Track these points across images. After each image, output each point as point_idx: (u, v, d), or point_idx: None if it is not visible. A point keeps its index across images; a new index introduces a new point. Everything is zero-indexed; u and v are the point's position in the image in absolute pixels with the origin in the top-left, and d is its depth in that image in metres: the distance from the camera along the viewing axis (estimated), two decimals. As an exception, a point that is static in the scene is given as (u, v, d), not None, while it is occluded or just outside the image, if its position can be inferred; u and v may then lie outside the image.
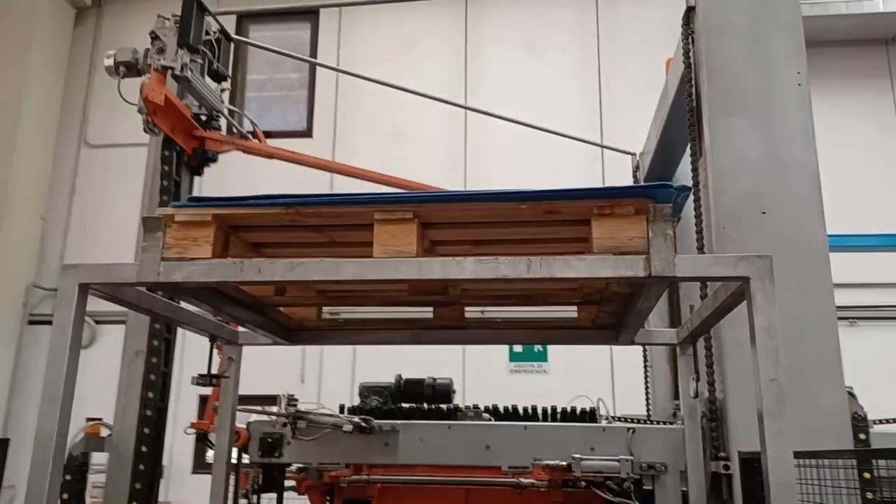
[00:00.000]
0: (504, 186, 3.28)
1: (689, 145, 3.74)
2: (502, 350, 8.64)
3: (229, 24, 10.59)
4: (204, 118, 4.04)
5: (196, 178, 4.48)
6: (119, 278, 2.17)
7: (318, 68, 9.67)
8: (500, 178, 8.73)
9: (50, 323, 8.21)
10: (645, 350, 5.52)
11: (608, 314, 2.82)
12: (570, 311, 3.04)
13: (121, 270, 2.17)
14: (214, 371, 3.37)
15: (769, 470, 1.80)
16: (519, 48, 9.68)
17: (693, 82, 3.74)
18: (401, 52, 9.82)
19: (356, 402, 4.24)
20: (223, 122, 4.34)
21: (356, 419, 3.54)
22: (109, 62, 4.24)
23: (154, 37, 4.19)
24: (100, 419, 4.72)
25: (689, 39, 3.80)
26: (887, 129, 9.03)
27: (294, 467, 3.82)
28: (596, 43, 9.58)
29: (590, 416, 3.70)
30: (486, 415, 3.76)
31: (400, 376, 4.58)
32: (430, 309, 3.03)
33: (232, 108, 4.16)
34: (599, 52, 9.53)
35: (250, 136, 4.41)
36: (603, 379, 8.27)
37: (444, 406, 3.89)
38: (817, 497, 2.47)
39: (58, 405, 2.10)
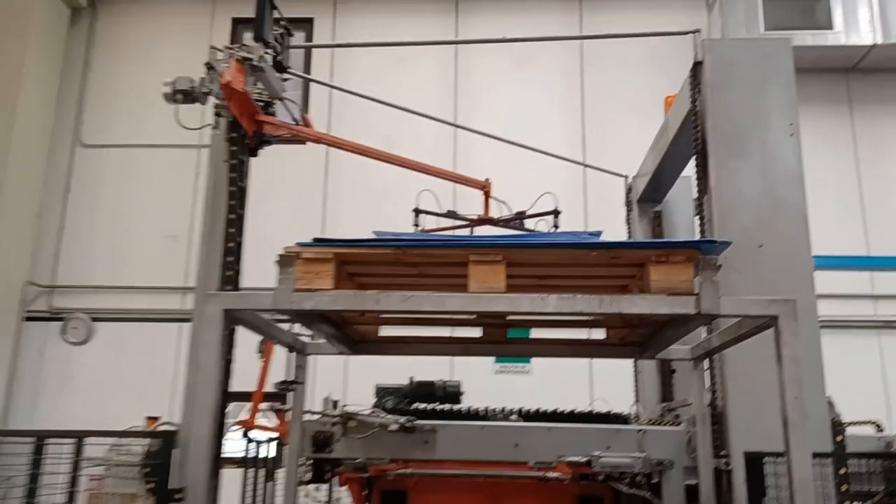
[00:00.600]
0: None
1: (695, 183, 4.29)
2: (489, 352, 9.14)
3: (224, 28, 10.90)
4: (262, 104, 4.38)
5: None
6: (258, 306, 2.59)
7: (312, 75, 9.98)
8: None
9: (45, 319, 8.66)
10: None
11: (638, 335, 3.34)
12: (598, 330, 3.56)
13: (259, 299, 2.59)
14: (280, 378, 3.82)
15: (793, 469, 2.33)
16: (507, 66, 10.17)
17: (700, 128, 4.28)
18: (393, 60, 10.20)
19: (348, 400, 4.64)
20: (277, 110, 4.68)
21: (402, 420, 3.98)
22: (167, 89, 4.60)
23: (209, 66, 4.56)
24: (158, 417, 5.07)
25: (697, 89, 4.34)
26: (843, 153, 9.79)
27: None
28: (580, 64, 10.14)
29: (605, 417, 4.20)
30: (513, 416, 4.24)
31: (412, 378, 5.02)
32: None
33: (286, 97, 4.55)
34: (583, 74, 10.09)
35: (300, 122, 4.82)
36: (581, 381, 8.86)
37: (477, 408, 4.35)
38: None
39: (210, 410, 2.50)
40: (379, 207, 9.46)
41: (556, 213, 6.05)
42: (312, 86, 10.22)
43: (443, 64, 10.27)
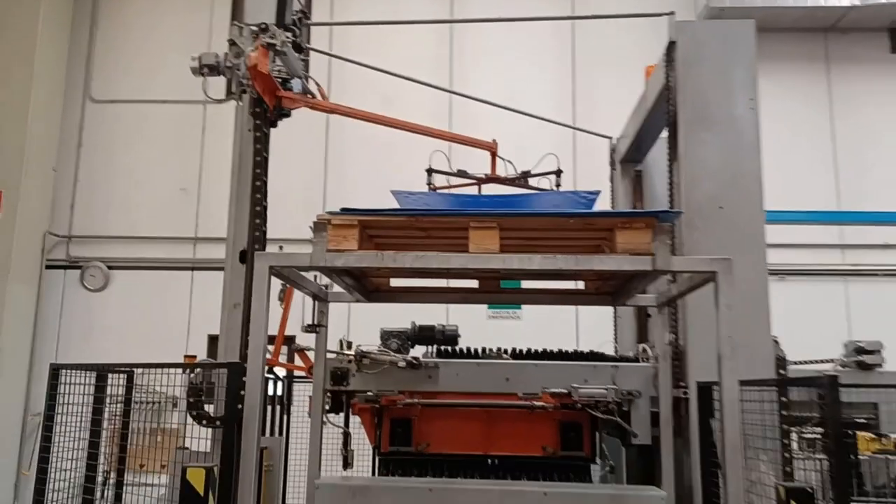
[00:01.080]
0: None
1: (667, 150, 4.85)
2: (483, 298, 9.82)
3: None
4: (280, 81, 4.89)
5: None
6: (298, 263, 3.19)
7: (311, 40, 10.34)
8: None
9: (64, 267, 9.42)
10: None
11: (610, 286, 3.96)
12: (578, 282, 4.18)
13: (299, 258, 3.19)
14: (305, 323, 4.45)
15: (723, 393, 2.97)
16: (500, 28, 10.53)
17: (672, 102, 4.82)
18: (391, 28, 10.56)
19: (355, 343, 5.21)
20: (295, 85, 5.18)
21: (409, 357, 4.61)
22: (194, 63, 5.07)
23: (232, 43, 5.04)
24: (195, 355, 5.68)
25: (671, 66, 4.87)
26: (820, 110, 10.32)
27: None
28: (570, 25, 10.55)
29: (584, 356, 4.83)
30: (505, 355, 4.87)
31: (414, 323, 5.63)
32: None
33: (304, 74, 5.05)
34: (574, 36, 10.51)
35: (317, 95, 5.33)
36: (569, 324, 9.56)
37: (474, 349, 4.97)
38: (756, 414, 3.67)
39: (261, 345, 3.12)
40: (380, 161, 9.99)
41: (558, 172, 6.48)
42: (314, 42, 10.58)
43: (439, 26, 10.65)
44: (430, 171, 6.48)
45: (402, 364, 4.59)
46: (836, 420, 2.80)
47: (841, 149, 10.24)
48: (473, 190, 6.72)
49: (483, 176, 6.51)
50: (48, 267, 10.12)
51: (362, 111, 5.50)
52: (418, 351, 5.33)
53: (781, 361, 4.48)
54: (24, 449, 9.60)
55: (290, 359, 7.40)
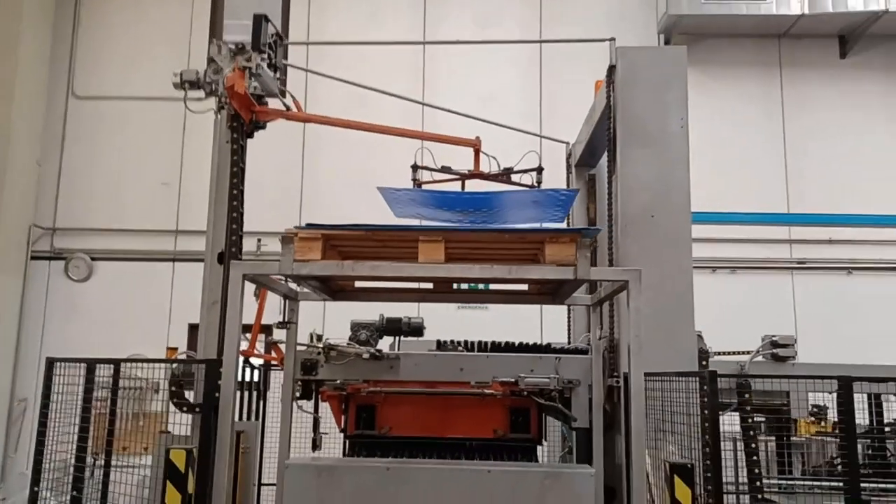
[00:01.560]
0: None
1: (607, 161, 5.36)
2: (452, 289, 10.33)
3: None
4: (256, 97, 5.32)
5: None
6: (269, 271, 3.66)
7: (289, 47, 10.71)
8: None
9: (48, 258, 9.91)
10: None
11: (549, 289, 4.48)
12: (522, 286, 4.69)
13: (270, 267, 3.66)
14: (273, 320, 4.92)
15: (630, 382, 3.50)
16: (471, 28, 10.98)
17: (612, 119, 5.32)
18: (364, 17, 10.95)
19: (325, 332, 5.64)
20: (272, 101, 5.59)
21: (372, 350, 5.09)
22: (176, 79, 5.50)
23: (211, 60, 5.47)
24: (177, 348, 6.14)
25: (611, 87, 5.36)
26: (773, 113, 10.90)
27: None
28: (538, 26, 11.00)
29: (530, 348, 5.33)
30: (460, 348, 5.36)
31: (382, 315, 6.09)
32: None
33: (279, 91, 5.49)
34: (542, 35, 10.97)
35: (292, 108, 5.76)
36: (533, 317, 10.09)
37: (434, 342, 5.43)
38: (665, 401, 4.20)
39: (235, 343, 3.59)
40: (356, 154, 10.39)
41: (539, 169, 6.79)
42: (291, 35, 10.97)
43: (412, 28, 11.06)
44: (415, 168, 6.73)
45: (366, 356, 5.06)
46: (714, 407, 3.33)
47: (791, 150, 10.83)
48: (457, 186, 6.94)
49: (466, 172, 6.75)
50: (33, 258, 10.49)
51: (337, 119, 5.92)
52: (387, 342, 5.82)
53: (704, 354, 5.03)
54: (10, 433, 10.00)
55: (267, 350, 7.88)
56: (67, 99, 11.00)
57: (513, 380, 4.94)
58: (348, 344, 5.24)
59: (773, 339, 5.08)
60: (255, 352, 6.26)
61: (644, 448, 3.46)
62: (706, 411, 3.36)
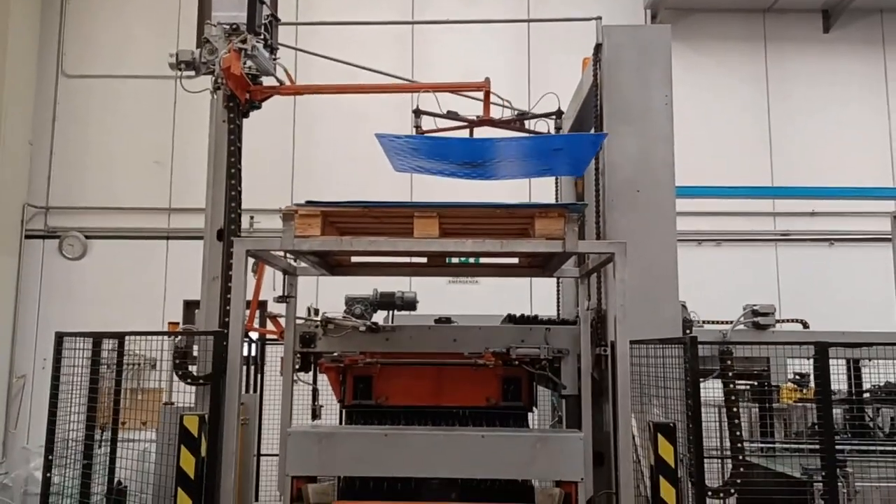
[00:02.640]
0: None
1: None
2: (443, 264, 10.50)
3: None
4: (251, 76, 5.42)
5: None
6: (271, 247, 3.83)
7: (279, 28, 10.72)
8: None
9: (42, 237, 10.04)
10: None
11: (539, 262, 4.66)
12: (513, 259, 4.87)
13: (272, 242, 3.83)
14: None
15: (616, 349, 3.69)
16: (460, 8, 11.00)
17: (598, 96, 5.47)
18: (356, 8, 10.96)
19: (323, 309, 5.75)
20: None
21: (368, 322, 5.26)
22: (172, 59, 5.59)
23: (206, 41, 5.57)
24: (178, 322, 6.29)
25: (598, 65, 5.51)
26: (757, 88, 11.07)
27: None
28: (527, 8, 11.07)
29: (519, 319, 5.50)
30: (454, 320, 5.54)
31: (376, 290, 6.25)
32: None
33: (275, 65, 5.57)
34: (529, 12, 11.04)
35: (285, 82, 5.84)
36: (523, 289, 10.28)
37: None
38: (650, 367, 4.41)
39: (240, 315, 3.76)
40: (350, 125, 10.42)
41: (559, 113, 6.23)
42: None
43: (401, 3, 11.10)
44: (416, 112, 6.17)
45: (362, 328, 5.23)
46: (695, 371, 3.54)
47: (775, 124, 11.02)
48: (465, 133, 6.39)
49: (475, 118, 6.19)
50: (27, 237, 10.57)
51: (331, 86, 5.96)
52: (380, 316, 5.97)
53: (688, 323, 5.24)
54: (10, 409, 10.16)
55: (263, 324, 8.04)
56: (57, 78, 11.01)
57: (504, 350, 5.11)
58: (344, 317, 5.41)
59: (754, 308, 5.29)
60: (254, 326, 6.43)
61: (629, 409, 3.67)
62: (688, 375, 3.56)
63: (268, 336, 7.77)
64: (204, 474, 3.56)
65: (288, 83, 6.09)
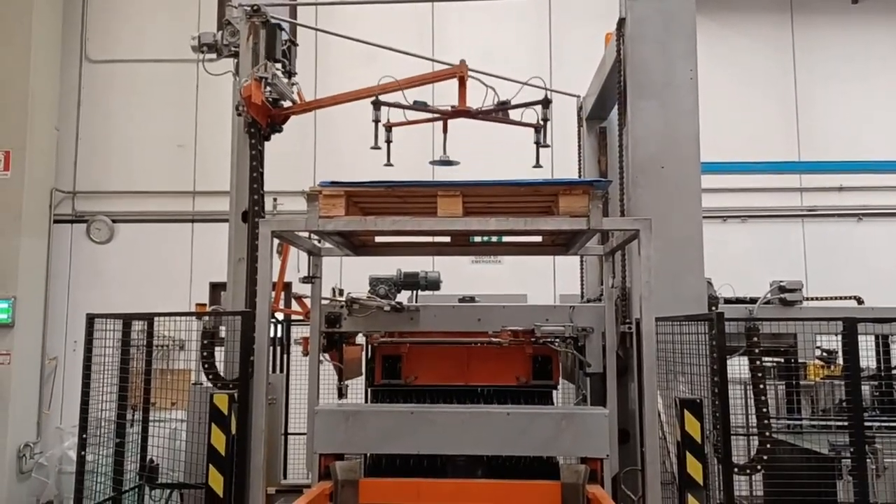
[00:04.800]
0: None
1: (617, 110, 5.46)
2: (466, 244, 10.50)
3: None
4: (271, 100, 5.46)
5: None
6: (296, 227, 3.85)
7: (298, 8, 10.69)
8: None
9: (70, 221, 10.18)
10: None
11: (562, 240, 4.64)
12: (536, 238, 4.86)
13: (297, 222, 3.85)
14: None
15: (643, 326, 3.68)
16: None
17: (622, 71, 5.41)
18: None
19: (347, 290, 5.76)
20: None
21: (393, 302, 5.28)
22: (194, 42, 5.63)
23: (227, 23, 5.59)
24: (205, 304, 6.38)
25: (621, 40, 5.44)
26: (783, 60, 10.86)
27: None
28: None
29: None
30: (477, 299, 5.56)
31: (400, 270, 6.26)
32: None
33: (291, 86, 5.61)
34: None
35: (297, 100, 5.86)
36: (546, 269, 10.25)
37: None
38: (676, 344, 4.39)
39: (267, 293, 3.80)
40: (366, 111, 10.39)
41: (545, 102, 5.74)
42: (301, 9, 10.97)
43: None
44: (376, 104, 5.68)
45: (387, 308, 5.25)
46: (722, 347, 3.52)
47: (802, 98, 10.81)
48: (439, 126, 6.03)
49: (449, 108, 5.77)
50: (56, 221, 10.72)
51: (334, 97, 5.89)
52: (404, 296, 6.00)
53: (713, 300, 5.20)
54: (43, 390, 10.37)
55: (288, 304, 8.11)
56: (81, 64, 11.09)
57: (530, 329, 5.10)
58: (369, 297, 5.43)
59: (781, 284, 5.24)
60: (280, 307, 6.49)
61: (655, 386, 3.66)
62: (714, 351, 3.55)
63: (293, 317, 7.84)
64: (234, 451, 3.62)
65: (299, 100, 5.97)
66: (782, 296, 5.19)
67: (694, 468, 3.30)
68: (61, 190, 10.78)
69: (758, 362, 4.60)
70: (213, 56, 5.65)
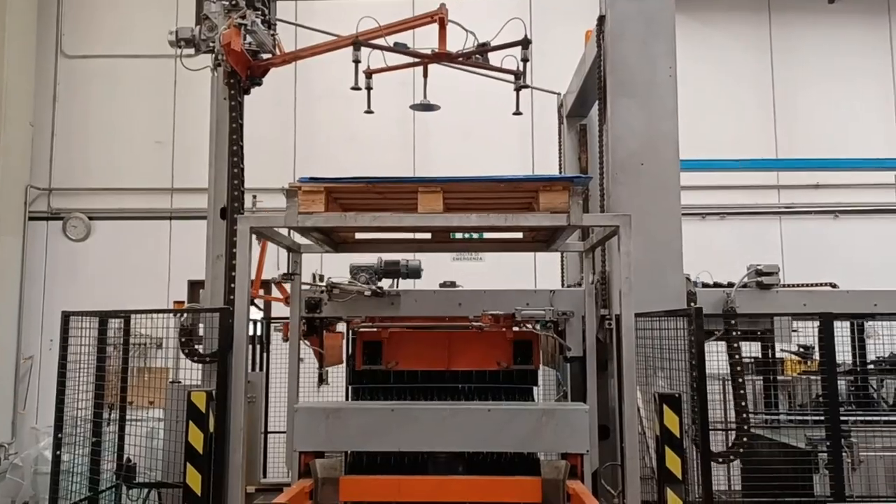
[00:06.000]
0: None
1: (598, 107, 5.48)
2: (447, 241, 10.48)
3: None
4: (251, 53, 5.34)
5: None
6: (275, 223, 3.82)
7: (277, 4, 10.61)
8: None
9: (45, 219, 9.99)
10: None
11: (543, 236, 4.65)
12: (517, 234, 4.86)
13: (276, 219, 3.82)
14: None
15: (623, 321, 3.70)
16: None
17: (602, 68, 5.43)
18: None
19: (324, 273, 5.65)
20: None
21: (373, 287, 5.20)
22: (171, 37, 5.55)
23: (205, 17, 5.52)
24: (183, 301, 6.31)
25: (601, 37, 5.46)
26: (761, 58, 10.96)
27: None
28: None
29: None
30: (459, 285, 5.50)
31: (381, 258, 6.14)
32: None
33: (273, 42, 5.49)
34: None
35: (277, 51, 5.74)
36: (527, 267, 10.27)
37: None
38: (655, 339, 4.42)
39: (245, 290, 3.76)
40: (348, 110, 10.31)
41: (524, 42, 5.63)
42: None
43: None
44: (356, 44, 5.46)
45: (367, 293, 5.18)
46: (700, 341, 3.54)
47: (780, 96, 10.92)
48: (419, 70, 5.91)
49: (429, 52, 5.68)
50: (31, 218, 10.56)
51: (315, 47, 5.76)
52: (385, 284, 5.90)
53: (692, 296, 5.23)
54: (18, 390, 10.22)
55: (269, 292, 7.98)
56: (57, 59, 10.94)
57: (511, 313, 5.01)
58: (350, 282, 5.33)
59: (758, 267, 5.28)
60: (259, 294, 6.39)
61: (634, 380, 3.68)
62: (693, 346, 3.57)
63: (272, 315, 7.77)
64: (212, 450, 3.59)
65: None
66: (759, 279, 5.22)
67: (672, 462, 3.32)
68: (36, 186, 10.63)
69: (736, 345, 4.65)
70: (192, 52, 5.57)
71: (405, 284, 6.03)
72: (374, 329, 5.16)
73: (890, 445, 5.46)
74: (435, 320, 5.29)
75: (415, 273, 5.79)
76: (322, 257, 10.22)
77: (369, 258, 5.90)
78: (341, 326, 5.61)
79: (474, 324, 5.01)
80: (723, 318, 5.02)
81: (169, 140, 10.77)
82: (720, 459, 4.67)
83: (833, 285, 7.77)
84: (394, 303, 5.18)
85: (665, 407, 3.37)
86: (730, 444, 4.97)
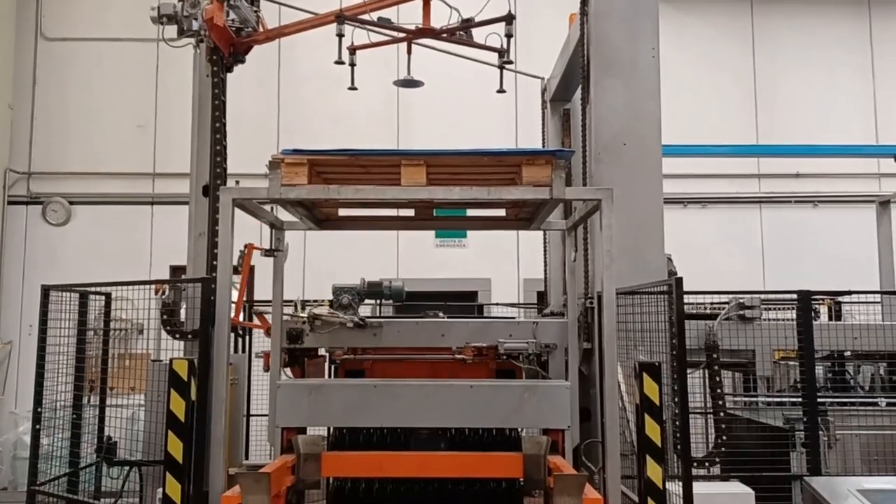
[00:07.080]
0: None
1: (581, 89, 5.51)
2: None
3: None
4: (234, 30, 5.33)
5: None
6: (257, 195, 3.81)
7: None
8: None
9: (25, 203, 9.93)
10: (545, 234, 7.47)
11: (526, 214, 4.67)
12: (499, 211, 4.87)
13: (258, 191, 3.80)
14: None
15: (605, 295, 3.73)
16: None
17: (586, 48, 5.46)
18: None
19: (308, 292, 5.50)
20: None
21: (356, 318, 5.10)
22: (154, 13, 5.51)
23: (189, -6, 5.49)
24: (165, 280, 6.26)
25: (585, 17, 5.48)
26: (742, 46, 11.05)
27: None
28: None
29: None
30: (441, 314, 5.41)
31: (363, 279, 6.00)
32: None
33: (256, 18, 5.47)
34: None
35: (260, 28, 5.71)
36: (510, 251, 10.33)
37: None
38: (637, 315, 4.46)
39: (228, 261, 3.75)
40: (333, 92, 10.28)
41: (509, 18, 5.68)
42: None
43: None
44: (339, 18, 5.48)
45: (349, 324, 5.07)
46: (681, 311, 3.58)
47: (761, 83, 11.03)
48: (403, 47, 5.94)
49: (413, 28, 5.71)
50: (10, 203, 10.45)
51: (300, 23, 5.76)
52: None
53: (673, 275, 5.29)
54: (-4, 375, 10.13)
55: (250, 319, 7.84)
56: (37, 41, 10.80)
57: (494, 345, 4.83)
58: (331, 313, 5.19)
59: (741, 300, 5.34)
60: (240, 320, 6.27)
61: (615, 354, 3.71)
62: (673, 316, 3.61)
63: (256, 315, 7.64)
64: (194, 419, 3.58)
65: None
66: (741, 312, 5.30)
67: (652, 430, 3.36)
68: (15, 170, 10.51)
69: (717, 378, 4.73)
70: (174, 29, 5.54)
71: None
72: (357, 360, 5.06)
73: (866, 425, 5.56)
74: (418, 351, 5.19)
75: (398, 295, 5.59)
76: (304, 269, 10.15)
77: (353, 271, 5.77)
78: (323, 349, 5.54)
79: (457, 356, 4.95)
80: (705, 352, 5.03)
81: (151, 124, 10.68)
82: (706, 463, 4.74)
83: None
84: (376, 333, 5.06)
85: (645, 375, 3.40)
86: (709, 430, 5.05)
